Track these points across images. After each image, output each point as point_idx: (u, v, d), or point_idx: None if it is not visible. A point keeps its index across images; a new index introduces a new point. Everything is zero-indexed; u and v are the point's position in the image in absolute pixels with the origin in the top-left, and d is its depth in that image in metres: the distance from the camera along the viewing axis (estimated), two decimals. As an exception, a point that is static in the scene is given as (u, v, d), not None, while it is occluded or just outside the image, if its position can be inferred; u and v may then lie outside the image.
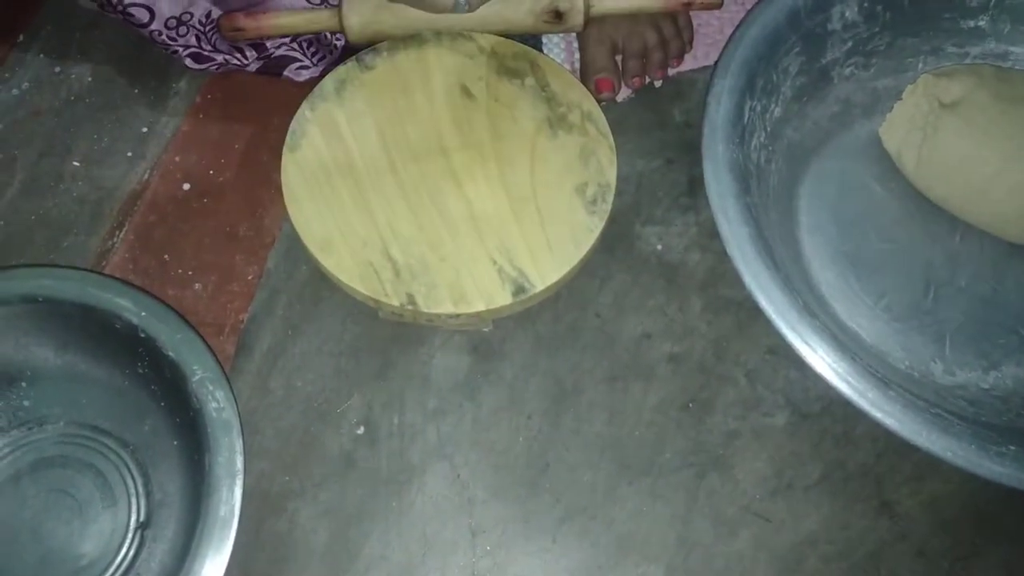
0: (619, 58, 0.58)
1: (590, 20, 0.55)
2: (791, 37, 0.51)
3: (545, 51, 0.59)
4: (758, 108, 0.50)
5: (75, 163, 0.56)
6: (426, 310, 0.47)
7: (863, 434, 0.49)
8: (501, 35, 0.56)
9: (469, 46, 0.55)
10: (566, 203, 0.51)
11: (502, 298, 0.48)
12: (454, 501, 0.47)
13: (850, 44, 0.54)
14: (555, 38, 0.60)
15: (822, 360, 0.42)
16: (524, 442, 0.48)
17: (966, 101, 0.51)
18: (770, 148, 0.52)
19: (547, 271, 0.49)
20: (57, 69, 0.59)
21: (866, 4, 0.53)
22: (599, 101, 0.55)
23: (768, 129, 0.51)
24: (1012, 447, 0.41)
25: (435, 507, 0.47)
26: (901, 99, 0.54)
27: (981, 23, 0.55)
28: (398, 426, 0.48)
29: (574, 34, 0.60)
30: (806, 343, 0.42)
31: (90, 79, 0.59)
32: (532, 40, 0.58)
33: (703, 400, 0.50)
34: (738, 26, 0.50)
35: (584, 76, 0.58)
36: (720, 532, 0.46)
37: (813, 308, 0.44)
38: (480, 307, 0.48)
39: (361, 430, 0.48)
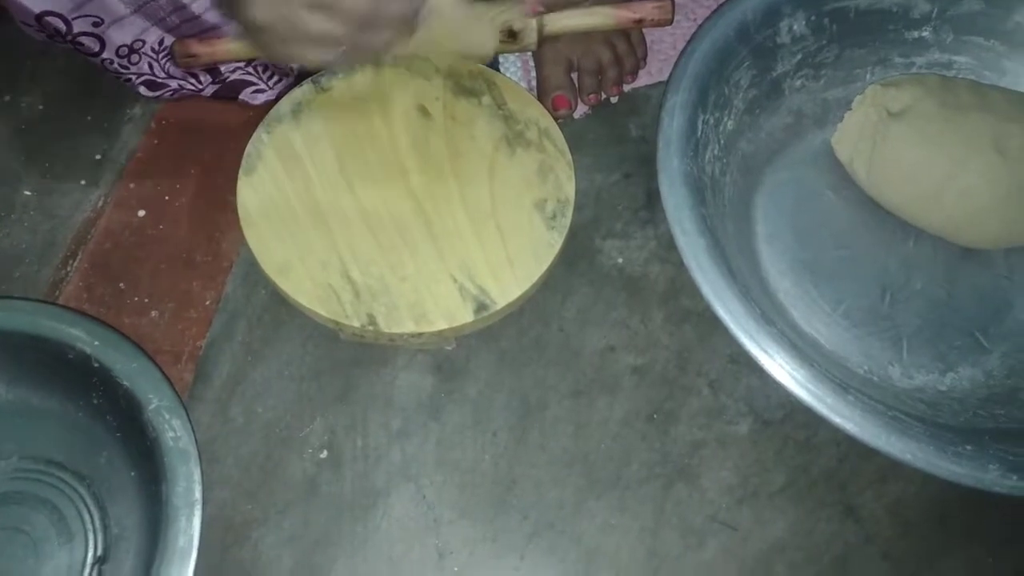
0: (575, 75, 0.59)
1: (544, 39, 0.56)
2: (741, 51, 0.52)
3: (502, 70, 0.60)
4: (711, 121, 0.51)
5: (27, 192, 0.55)
6: (387, 330, 0.47)
7: (825, 439, 0.49)
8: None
9: (425, 67, 0.55)
10: (526, 219, 0.51)
11: (464, 316, 0.48)
12: (420, 522, 0.46)
13: (799, 56, 0.55)
14: (511, 57, 0.61)
15: (781, 367, 0.42)
16: (490, 460, 0.48)
17: (913, 110, 0.52)
18: (724, 160, 0.53)
19: (508, 287, 0.49)
20: (7, 98, 0.58)
21: (813, 17, 0.54)
22: (556, 118, 0.55)
23: (722, 142, 0.52)
24: (968, 447, 0.42)
25: (401, 529, 0.46)
26: (851, 109, 0.55)
27: (925, 34, 0.56)
28: (362, 449, 0.48)
29: (530, 53, 0.60)
30: (764, 351, 0.43)
31: (41, 107, 0.58)
32: (489, 60, 0.59)
33: (667, 411, 0.50)
34: (689, 41, 0.51)
35: (541, 94, 0.59)
36: (688, 543, 0.47)
37: (771, 316, 0.45)
38: (442, 325, 0.47)
39: (324, 454, 0.48)
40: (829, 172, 0.56)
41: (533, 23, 0.54)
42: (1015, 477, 0.41)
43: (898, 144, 0.52)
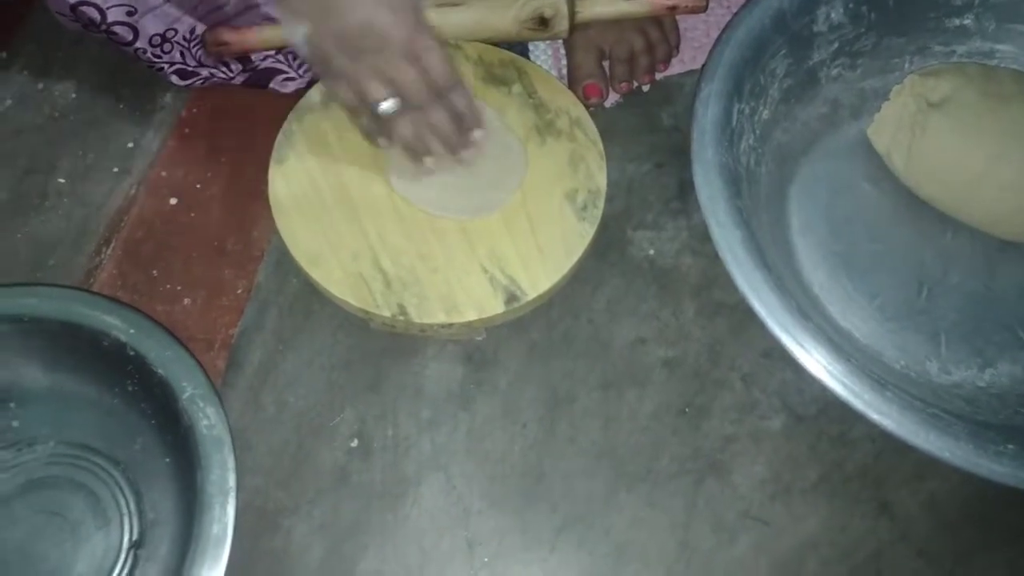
0: (606, 63, 0.58)
1: (576, 26, 0.55)
2: (777, 39, 0.51)
3: (532, 58, 0.59)
4: (746, 111, 0.50)
5: (60, 180, 0.55)
6: (418, 320, 0.47)
7: (860, 435, 0.48)
8: (487, 43, 0.55)
9: (455, 55, 0.55)
10: (556, 210, 0.50)
11: (494, 307, 0.48)
12: (450, 512, 0.46)
13: (836, 45, 0.54)
14: (541, 45, 0.60)
15: (817, 362, 0.42)
16: (519, 451, 0.48)
17: (953, 100, 0.51)
18: (759, 151, 0.52)
19: (539, 279, 0.48)
20: (40, 86, 0.59)
21: (851, 5, 0.53)
22: (587, 107, 0.55)
23: (757, 132, 0.51)
24: (1011, 446, 0.41)
25: (431, 519, 0.46)
26: (888, 99, 0.54)
27: (966, 22, 0.55)
28: (392, 438, 0.48)
29: (561, 40, 0.60)
30: (800, 345, 0.42)
31: (74, 95, 0.58)
32: (519, 47, 0.58)
33: (699, 405, 0.49)
34: (724, 29, 0.50)
35: (572, 82, 0.58)
36: (720, 538, 0.46)
37: (806, 310, 0.44)
38: (472, 316, 0.47)
39: (355, 443, 0.48)
40: (866, 163, 0.55)
41: (564, 10, 0.53)
42: None
43: (937, 135, 0.51)
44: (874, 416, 0.41)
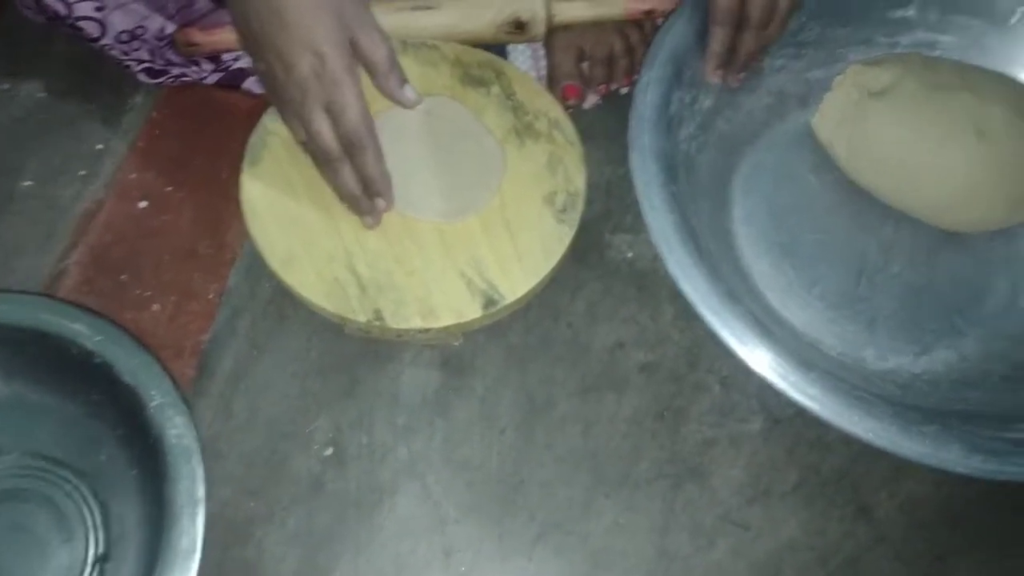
0: (585, 65, 0.58)
1: (554, 28, 0.55)
2: None
3: (511, 59, 0.59)
4: (687, 99, 0.50)
5: (26, 182, 0.54)
6: (394, 326, 0.46)
7: (837, 438, 0.48)
8: (464, 45, 0.55)
9: (433, 55, 0.54)
10: (535, 213, 0.50)
11: (472, 312, 0.47)
12: (426, 521, 0.46)
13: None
14: (520, 46, 0.60)
15: (744, 346, 0.42)
16: (497, 458, 0.47)
17: (894, 90, 0.51)
18: (701, 139, 0.52)
19: (517, 283, 0.48)
20: (6, 86, 0.57)
21: None
22: (566, 108, 0.54)
23: (698, 120, 0.51)
24: (933, 427, 0.41)
25: (407, 528, 0.45)
26: (831, 89, 0.54)
27: (909, 13, 0.55)
28: (367, 446, 0.47)
29: (540, 42, 0.59)
30: (728, 329, 0.42)
31: (42, 95, 0.57)
32: (497, 48, 0.58)
33: (677, 408, 0.49)
34: (665, 19, 0.50)
35: (550, 83, 0.57)
36: (698, 543, 0.46)
37: (740, 296, 0.44)
38: (449, 321, 0.47)
39: (329, 451, 0.47)
40: (810, 154, 0.55)
41: (541, 14, 0.53)
42: (978, 458, 0.40)
43: (878, 125, 0.51)
44: (799, 398, 0.41)
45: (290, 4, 0.41)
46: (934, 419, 0.42)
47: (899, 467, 0.48)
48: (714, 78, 0.51)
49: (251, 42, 0.43)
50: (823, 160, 0.54)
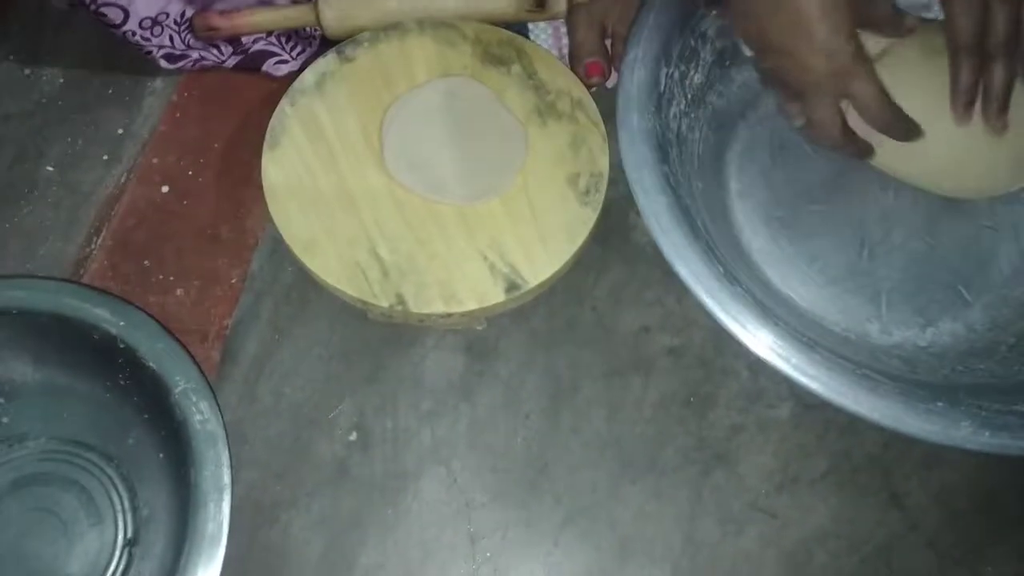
0: (608, 42, 0.56)
1: (575, 5, 0.53)
2: None
3: (532, 36, 0.57)
4: (675, 75, 0.48)
5: (49, 168, 0.54)
6: (416, 311, 0.46)
7: (868, 424, 0.47)
8: (484, 23, 0.54)
9: (452, 34, 0.53)
10: (558, 195, 0.49)
11: (495, 296, 0.46)
12: (452, 506, 0.45)
13: None
14: (541, 23, 0.58)
15: (743, 327, 0.41)
16: (522, 442, 0.47)
17: (891, 54, 0.49)
18: (692, 115, 0.50)
19: (540, 266, 0.47)
20: (27, 71, 0.57)
21: None
22: (589, 87, 0.53)
23: (689, 96, 0.50)
24: (940, 403, 0.40)
25: (432, 513, 0.45)
26: None
27: None
28: (391, 430, 0.47)
29: (561, 19, 0.58)
30: (726, 311, 0.41)
31: (62, 81, 0.57)
32: (517, 25, 0.57)
33: (705, 394, 0.48)
34: None
35: (573, 62, 0.56)
36: (727, 530, 0.45)
37: (737, 275, 0.43)
38: (472, 306, 0.46)
39: (353, 436, 0.47)
40: None
41: (562, -10, 0.52)
42: (987, 434, 0.39)
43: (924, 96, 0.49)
44: (802, 379, 0.40)
45: (801, 7, 0.39)
46: (941, 395, 0.40)
47: (932, 454, 0.47)
48: (965, 119, 0.44)
49: (756, 42, 0.42)
50: None
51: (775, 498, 0.46)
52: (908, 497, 0.46)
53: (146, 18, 0.50)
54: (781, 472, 0.46)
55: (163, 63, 0.54)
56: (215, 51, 0.55)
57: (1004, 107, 0.43)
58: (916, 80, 0.48)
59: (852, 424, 0.47)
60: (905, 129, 0.43)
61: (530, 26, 0.58)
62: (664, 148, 0.45)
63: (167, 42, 0.53)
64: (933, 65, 0.48)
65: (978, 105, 0.44)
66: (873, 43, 0.49)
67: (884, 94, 0.41)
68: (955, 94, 0.44)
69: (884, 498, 0.46)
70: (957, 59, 0.43)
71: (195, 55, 0.55)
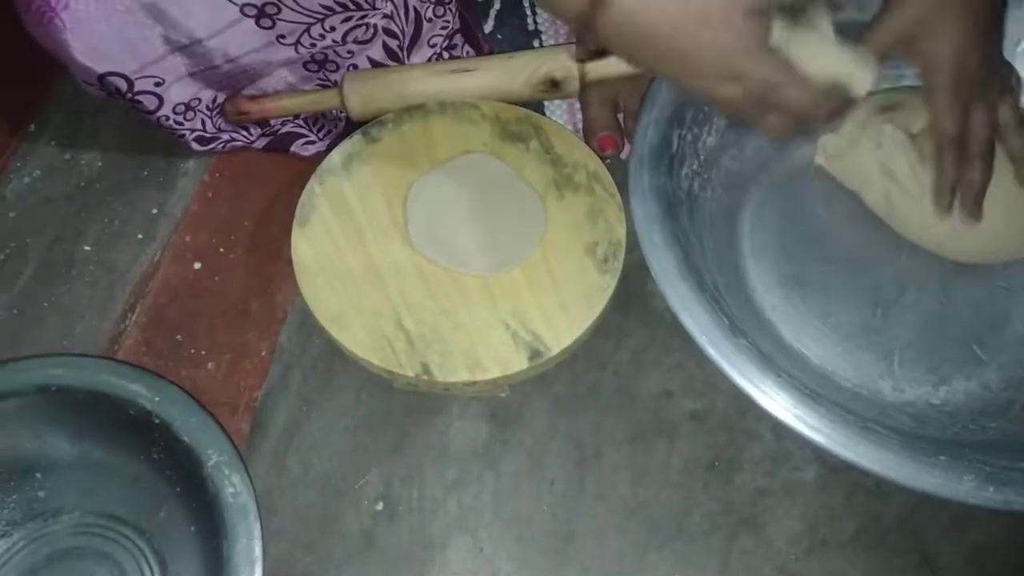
0: (621, 116, 0.59)
1: (588, 84, 0.56)
2: None
3: (547, 112, 0.60)
4: (688, 137, 0.50)
5: (86, 247, 0.56)
6: (441, 379, 0.47)
7: (896, 486, 0.47)
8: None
9: (472, 113, 0.56)
10: (577, 264, 0.50)
11: (518, 363, 0.47)
12: (479, 576, 0.45)
13: None
14: (556, 100, 0.61)
15: (747, 380, 0.41)
16: (548, 510, 0.47)
17: (899, 124, 0.51)
18: (704, 176, 0.52)
19: (562, 333, 0.48)
20: (67, 156, 0.60)
21: None
22: (603, 159, 0.55)
23: (701, 157, 0.52)
24: (943, 457, 0.40)
25: (460, 583, 0.45)
26: (837, 132, 0.53)
27: None
28: (417, 500, 0.47)
29: (575, 98, 0.60)
30: (730, 364, 0.41)
31: (99, 164, 0.60)
32: (534, 103, 0.59)
33: (729, 457, 0.48)
34: None
35: (587, 136, 0.59)
36: (757, 596, 0.45)
37: (747, 329, 0.44)
38: (496, 374, 0.47)
39: (380, 506, 0.47)
40: (818, 186, 0.55)
41: (575, 71, 0.54)
42: (991, 488, 0.39)
43: (881, 159, 0.50)
44: (806, 432, 0.40)
45: (672, 46, 0.39)
46: (945, 450, 0.41)
47: (962, 515, 0.46)
48: (947, 214, 0.48)
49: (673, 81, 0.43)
50: (832, 192, 0.54)
51: (804, 562, 0.45)
52: (940, 559, 0.46)
53: (179, 104, 0.53)
54: (809, 536, 0.46)
55: (195, 145, 0.57)
56: (244, 133, 0.58)
57: (979, 201, 0.47)
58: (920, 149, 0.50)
59: (880, 486, 0.47)
60: (837, 108, 0.42)
61: (546, 104, 0.61)
62: (674, 206, 0.47)
63: (199, 126, 0.56)
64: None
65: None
66: (910, 122, 0.51)
67: (806, 91, 0.40)
68: (938, 191, 0.48)
69: (915, 560, 0.46)
70: (940, 158, 0.46)
71: (225, 137, 0.58)
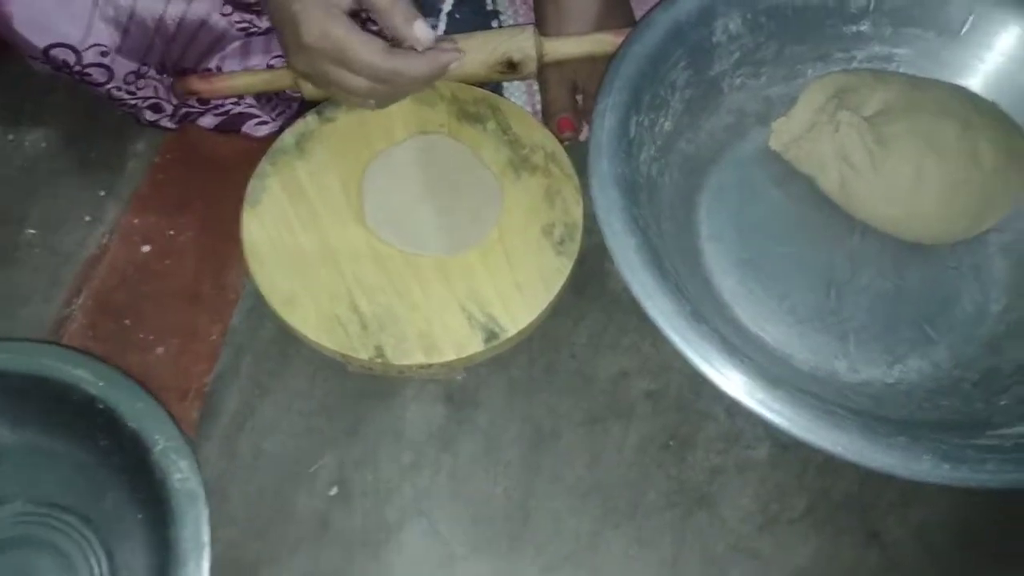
0: (579, 98, 0.59)
1: (546, 66, 0.55)
2: (675, 51, 0.51)
3: (506, 94, 0.60)
4: (645, 123, 0.50)
5: (31, 231, 0.55)
6: (396, 362, 0.46)
7: (845, 462, 0.48)
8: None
9: (430, 94, 0.55)
10: (534, 244, 0.50)
11: (474, 345, 0.47)
12: (434, 559, 0.45)
13: (737, 55, 0.54)
14: (515, 81, 0.61)
15: (710, 365, 0.41)
16: (503, 492, 0.47)
17: (884, 112, 0.52)
18: (662, 161, 0.52)
19: (518, 315, 0.48)
20: (10, 136, 0.58)
21: (749, 16, 0.53)
22: (561, 141, 0.55)
23: (659, 143, 0.52)
24: (902, 437, 0.41)
25: (415, 566, 0.45)
26: (788, 114, 0.54)
27: (863, 28, 0.55)
28: (373, 483, 0.47)
29: (533, 79, 0.60)
30: (693, 349, 0.42)
31: (44, 145, 0.58)
32: (492, 84, 0.59)
33: (683, 437, 0.49)
34: (621, 44, 0.51)
35: (546, 117, 0.58)
36: (710, 572, 0.45)
37: (706, 315, 0.44)
38: (451, 356, 0.47)
39: (334, 490, 0.47)
40: (773, 169, 0.55)
41: (532, 53, 0.54)
42: (947, 467, 0.40)
43: (890, 157, 0.51)
44: (766, 414, 0.40)
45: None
46: (903, 430, 0.41)
47: (909, 491, 0.47)
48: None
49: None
50: (786, 175, 0.55)
51: (757, 539, 0.46)
52: (887, 535, 0.47)
53: (129, 72, 0.52)
54: (762, 512, 0.47)
55: (148, 114, 0.55)
56: (196, 102, 0.56)
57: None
58: (900, 132, 0.51)
59: (829, 463, 0.48)
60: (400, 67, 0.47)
61: (504, 85, 0.60)
62: (634, 192, 0.47)
63: (151, 93, 0.54)
64: (914, 120, 0.51)
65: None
66: (864, 103, 0.52)
67: (374, 55, 0.46)
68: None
69: (863, 536, 0.46)
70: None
71: (179, 104, 0.56)
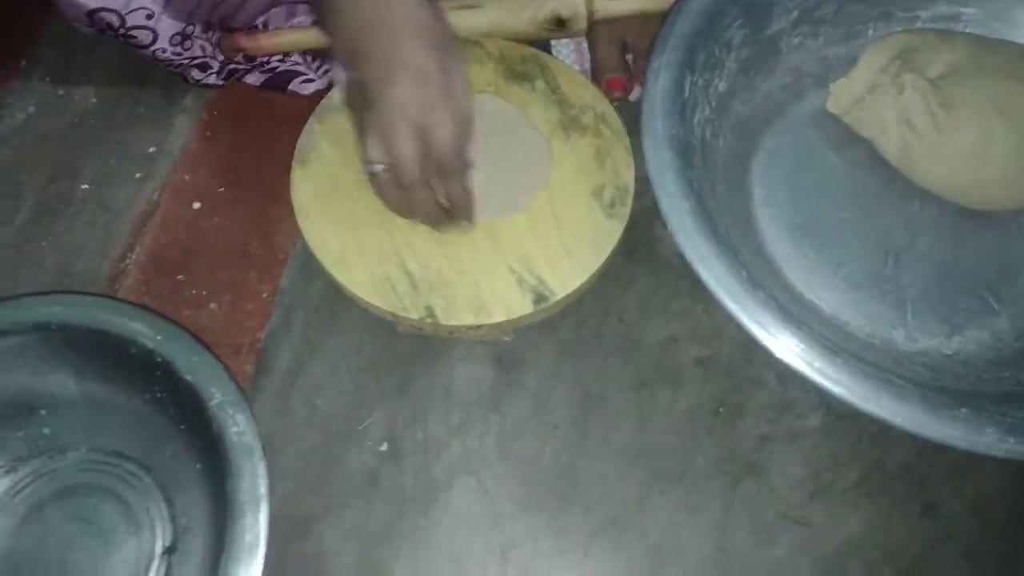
0: (629, 57, 0.57)
1: (595, 23, 0.54)
2: (732, 9, 0.50)
3: (554, 53, 0.58)
4: (700, 83, 0.49)
5: (84, 186, 0.55)
6: (445, 323, 0.46)
7: (901, 432, 0.47)
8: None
9: (477, 52, 0.54)
10: (583, 207, 0.50)
11: (522, 307, 0.47)
12: (482, 517, 0.46)
13: (796, 13, 0.52)
14: (564, 39, 0.59)
15: (766, 331, 0.41)
16: (551, 453, 0.47)
17: (950, 75, 0.49)
18: (716, 123, 0.51)
19: (567, 278, 0.48)
20: (61, 92, 0.58)
21: None
22: (612, 101, 0.54)
23: (713, 104, 0.50)
24: (964, 409, 0.40)
25: (463, 523, 0.46)
26: (850, 75, 0.52)
27: None
28: (422, 441, 0.47)
29: (582, 37, 0.59)
30: (749, 316, 0.41)
31: (94, 100, 0.58)
32: (540, 43, 0.57)
33: (733, 404, 0.48)
34: (675, 1, 0.49)
35: (595, 76, 0.57)
36: (759, 540, 0.45)
37: (761, 280, 0.43)
38: (500, 318, 0.47)
39: (384, 447, 0.47)
40: (831, 132, 0.53)
41: (582, 9, 0.52)
42: (1012, 440, 0.39)
43: (900, 104, 0.49)
44: (825, 383, 0.40)
45: (398, 21, 0.40)
46: (965, 402, 0.40)
47: (966, 463, 0.46)
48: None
49: (346, 50, 0.42)
50: (844, 138, 0.53)
51: (807, 507, 0.46)
52: (943, 506, 0.46)
53: (175, 34, 0.51)
54: (812, 481, 0.46)
55: (196, 73, 0.55)
56: (243, 59, 0.56)
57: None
58: (966, 95, 0.49)
59: (884, 433, 0.47)
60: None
61: (553, 42, 0.59)
62: (688, 153, 0.46)
63: (199, 52, 0.54)
64: (981, 83, 0.49)
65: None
66: (936, 65, 0.49)
67: (460, 137, 0.42)
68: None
69: (918, 507, 0.46)
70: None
71: (226, 62, 0.56)
